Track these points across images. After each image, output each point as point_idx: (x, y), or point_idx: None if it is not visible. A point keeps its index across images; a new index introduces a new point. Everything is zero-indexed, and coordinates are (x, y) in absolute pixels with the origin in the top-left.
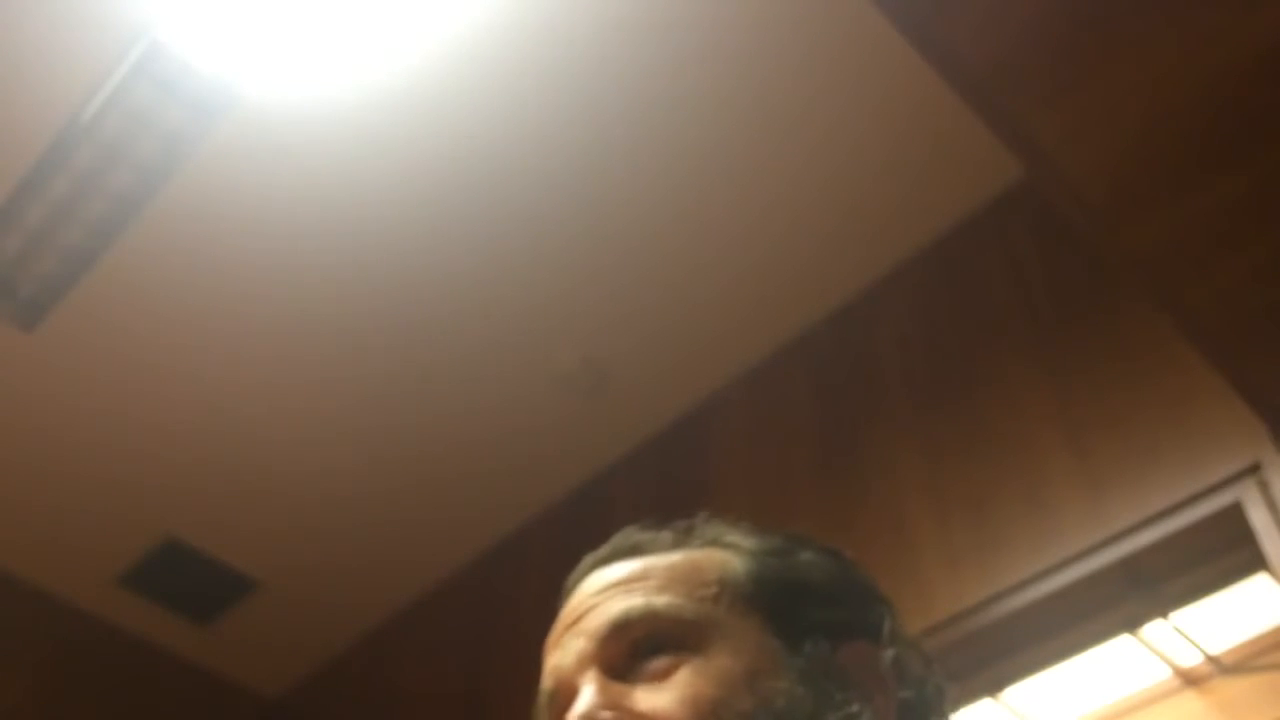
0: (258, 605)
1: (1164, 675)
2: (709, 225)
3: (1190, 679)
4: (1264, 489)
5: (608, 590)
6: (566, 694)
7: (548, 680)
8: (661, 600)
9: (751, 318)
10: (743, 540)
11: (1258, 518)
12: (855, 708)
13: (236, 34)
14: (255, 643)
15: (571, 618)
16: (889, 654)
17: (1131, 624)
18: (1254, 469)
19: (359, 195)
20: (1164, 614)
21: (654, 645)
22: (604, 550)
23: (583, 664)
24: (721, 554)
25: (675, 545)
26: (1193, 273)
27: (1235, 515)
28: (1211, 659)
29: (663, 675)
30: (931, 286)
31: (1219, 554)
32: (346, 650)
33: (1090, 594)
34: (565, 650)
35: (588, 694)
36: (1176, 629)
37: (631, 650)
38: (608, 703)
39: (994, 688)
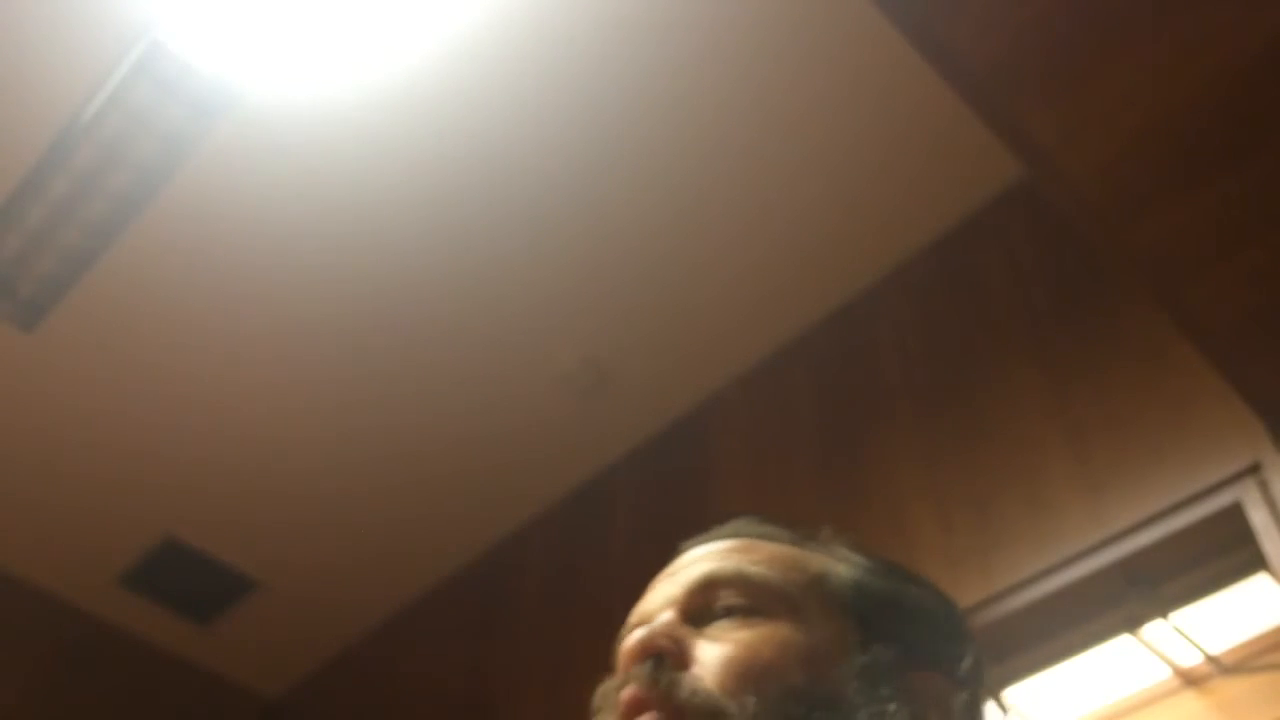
0: (258, 605)
1: (1164, 675)
2: (709, 225)
3: (1190, 679)
4: (1264, 489)
5: (710, 555)
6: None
7: (633, 617)
8: (753, 569)
9: (751, 318)
10: (856, 557)
11: (1258, 518)
12: (892, 707)
13: (236, 34)
14: (255, 643)
15: (670, 570)
16: (964, 695)
17: (1131, 624)
18: (1254, 469)
19: (359, 195)
20: (1164, 614)
21: (731, 606)
22: (723, 528)
23: (665, 606)
24: (832, 561)
25: (792, 542)
26: (1193, 273)
27: (1235, 515)
28: (1211, 659)
29: (727, 630)
30: (931, 286)
31: (1219, 554)
32: (346, 650)
33: (1090, 594)
34: (655, 594)
35: (657, 620)
36: (1176, 629)
37: (711, 605)
38: (670, 633)
39: (994, 688)
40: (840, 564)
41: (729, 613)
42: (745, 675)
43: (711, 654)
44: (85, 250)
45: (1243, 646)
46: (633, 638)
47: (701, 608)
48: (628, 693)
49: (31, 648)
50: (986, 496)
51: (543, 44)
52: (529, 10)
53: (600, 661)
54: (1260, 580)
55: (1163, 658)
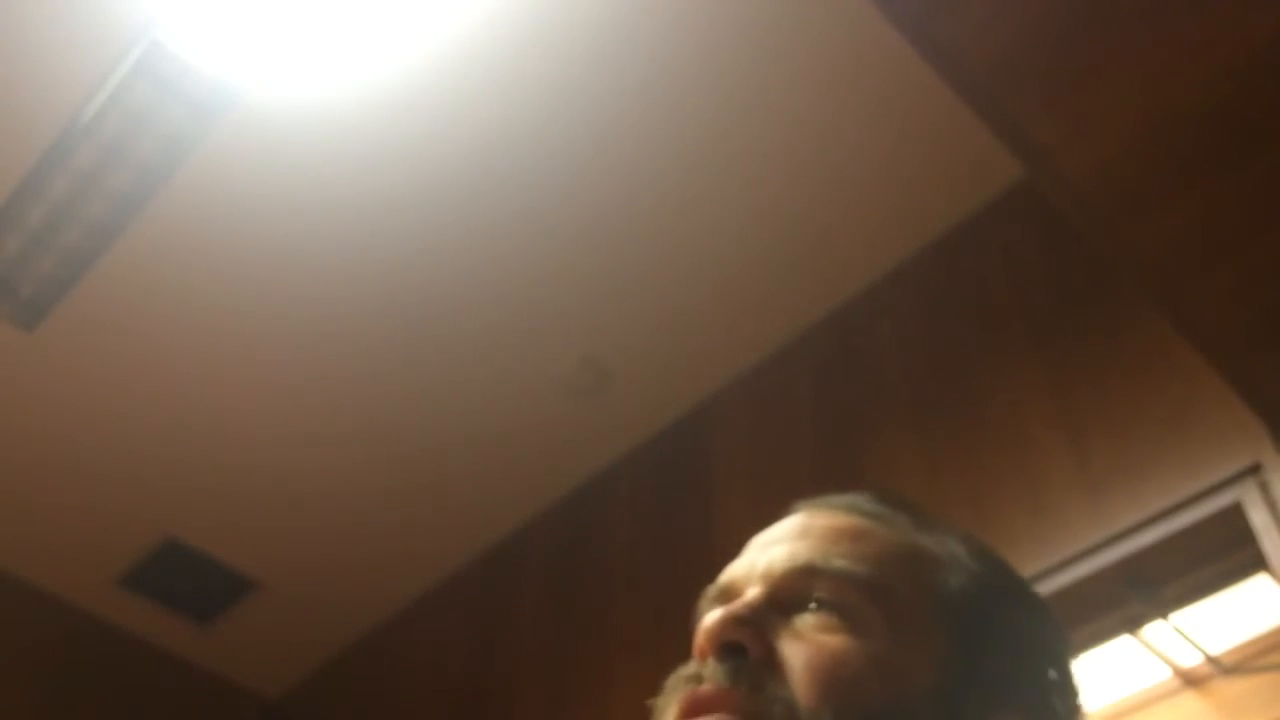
0: (258, 605)
1: (1164, 676)
2: (709, 225)
3: (1191, 679)
4: (1264, 489)
5: (820, 531)
6: (734, 596)
7: (725, 576)
8: (856, 566)
9: (751, 318)
10: (974, 563)
11: (1258, 518)
12: None
13: (236, 34)
14: (255, 643)
15: (773, 537)
16: None
17: (1132, 624)
18: (1254, 469)
19: (359, 195)
20: (1164, 614)
21: (826, 601)
22: (840, 498)
23: (759, 580)
24: (947, 561)
25: (908, 530)
26: (1193, 273)
27: (1235, 516)
28: (1212, 660)
29: (814, 631)
30: (931, 286)
31: (1219, 554)
32: (346, 650)
33: (1090, 594)
34: (752, 559)
35: (742, 601)
36: (1177, 629)
37: (804, 595)
38: (755, 619)
39: None
40: (955, 567)
41: (821, 607)
42: (827, 689)
43: (797, 658)
44: (85, 250)
45: (1243, 647)
46: (716, 617)
47: (795, 595)
48: (704, 690)
49: (31, 648)
50: (986, 497)
51: (541, 44)
52: (528, 11)
53: (600, 661)
54: (1260, 581)
55: (1163, 658)
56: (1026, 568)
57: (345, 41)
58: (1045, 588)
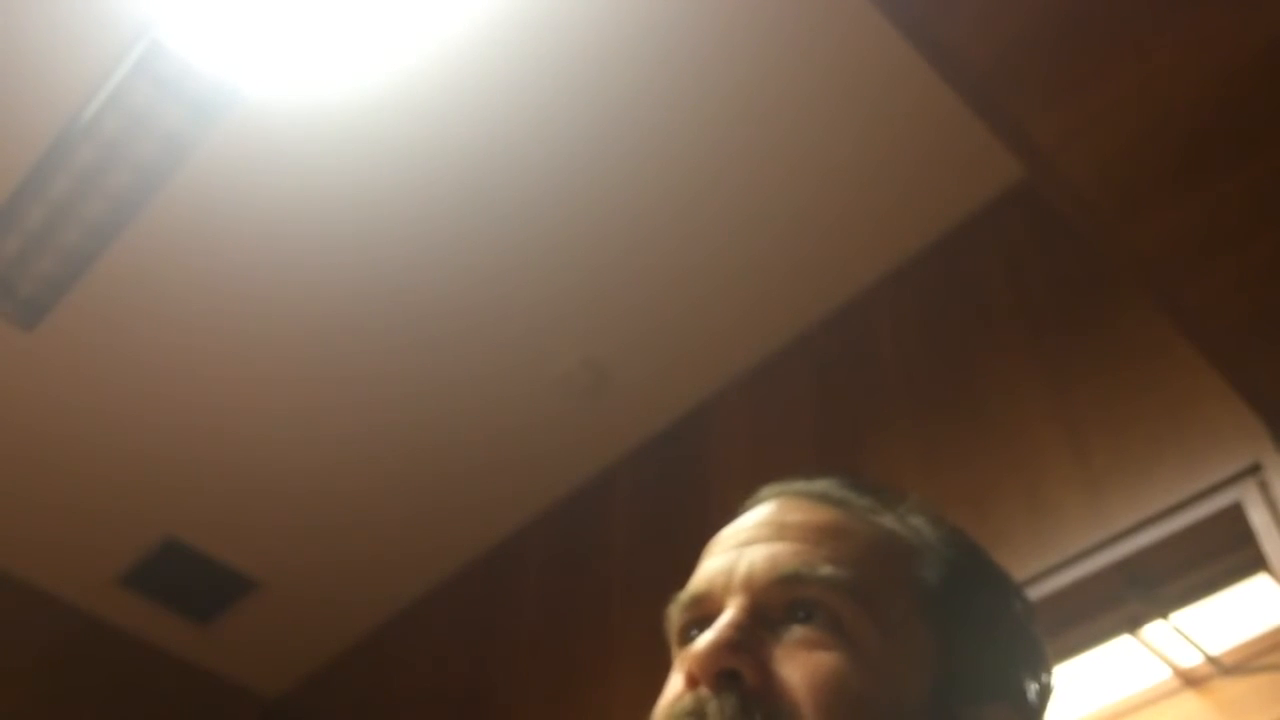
0: (258, 605)
1: (1164, 676)
2: (709, 225)
3: (1190, 680)
4: (1264, 489)
5: (795, 529)
6: (710, 606)
7: (699, 582)
8: (841, 573)
9: (751, 318)
10: (945, 547)
11: (1258, 518)
12: None
13: (237, 34)
14: (255, 643)
15: (746, 535)
16: None
17: (1132, 624)
18: (1254, 469)
19: (359, 195)
20: (1164, 614)
21: (811, 611)
22: (805, 484)
23: (739, 590)
24: (920, 548)
25: (876, 512)
26: (1193, 273)
27: (1235, 516)
28: (1212, 660)
29: (809, 647)
30: (931, 286)
31: (1219, 554)
32: (346, 650)
33: (1090, 594)
34: (728, 565)
35: (728, 621)
36: (1177, 629)
37: (790, 605)
38: (747, 643)
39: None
40: (929, 554)
41: (811, 618)
42: (833, 713)
43: (797, 680)
44: (85, 250)
45: (1243, 647)
46: (707, 644)
47: (781, 606)
48: None
49: (31, 648)
50: (986, 496)
51: (541, 44)
52: (528, 11)
53: (600, 661)
54: (1260, 581)
55: (1163, 658)
56: (1026, 568)
57: (345, 42)
58: (1045, 588)
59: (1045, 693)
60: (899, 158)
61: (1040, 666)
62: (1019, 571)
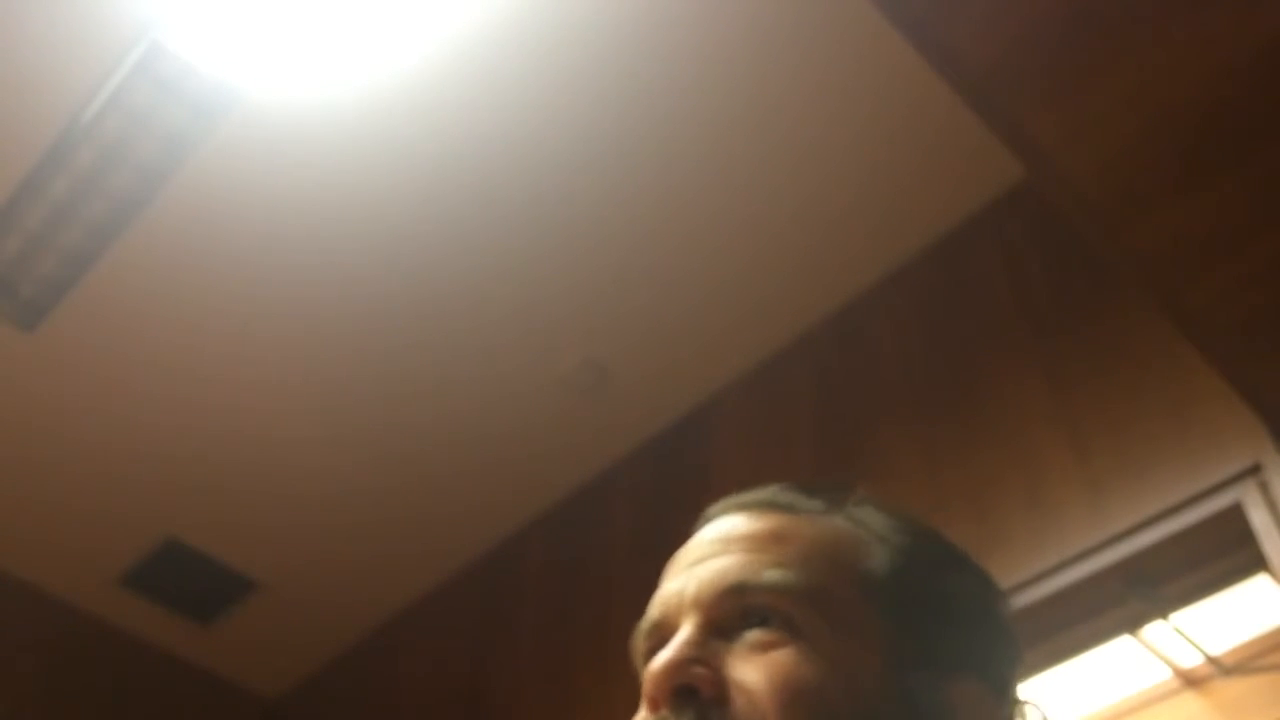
0: (258, 605)
1: (1164, 676)
2: (709, 225)
3: (1191, 680)
4: (1264, 489)
5: (740, 541)
6: (668, 630)
7: (655, 609)
8: (787, 576)
9: (751, 318)
10: (895, 535)
11: (1258, 518)
12: None
13: (237, 34)
14: (255, 643)
15: (696, 555)
16: (1004, 712)
17: (1132, 625)
18: (1254, 469)
19: (359, 196)
20: (1164, 615)
21: (764, 616)
22: (751, 496)
23: (690, 609)
24: (868, 541)
25: (824, 512)
26: (1193, 273)
27: (1235, 516)
28: (1212, 660)
29: (762, 649)
30: (931, 286)
31: (1219, 555)
32: (346, 650)
33: (1090, 595)
34: (680, 586)
35: (683, 639)
36: (1177, 630)
37: (742, 614)
38: (701, 657)
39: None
40: (877, 546)
41: (763, 622)
42: (792, 710)
43: (753, 682)
44: (85, 250)
45: (1243, 647)
46: (661, 664)
47: (731, 616)
48: None
49: (31, 648)
50: (986, 497)
51: (542, 45)
52: (528, 12)
53: (599, 662)
54: (1260, 581)
55: (1163, 659)
56: (1026, 568)
57: (346, 42)
58: (1045, 588)
59: (1012, 664)
60: (899, 158)
61: (1005, 640)
62: (1019, 571)
